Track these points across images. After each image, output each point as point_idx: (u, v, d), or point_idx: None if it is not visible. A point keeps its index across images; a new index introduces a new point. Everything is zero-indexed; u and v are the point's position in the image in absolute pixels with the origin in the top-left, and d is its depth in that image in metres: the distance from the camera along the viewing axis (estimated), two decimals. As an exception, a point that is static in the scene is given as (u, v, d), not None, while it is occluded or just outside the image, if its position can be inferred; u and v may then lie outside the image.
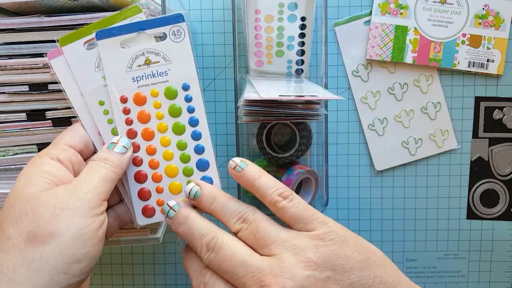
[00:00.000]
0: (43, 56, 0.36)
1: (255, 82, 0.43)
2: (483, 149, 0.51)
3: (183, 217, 0.32)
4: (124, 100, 0.35)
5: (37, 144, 0.38)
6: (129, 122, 0.35)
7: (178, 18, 0.35)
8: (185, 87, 0.36)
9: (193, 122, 0.36)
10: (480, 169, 0.51)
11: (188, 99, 0.36)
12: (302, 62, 0.48)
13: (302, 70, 0.48)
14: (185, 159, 0.36)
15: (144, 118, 0.35)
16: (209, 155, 0.36)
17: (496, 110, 0.50)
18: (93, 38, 0.35)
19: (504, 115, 0.50)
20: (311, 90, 0.41)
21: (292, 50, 0.47)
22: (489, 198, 0.51)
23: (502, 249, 0.52)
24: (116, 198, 0.37)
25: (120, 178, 0.34)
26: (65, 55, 0.35)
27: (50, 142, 0.39)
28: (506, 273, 0.52)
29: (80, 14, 0.36)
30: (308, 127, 0.46)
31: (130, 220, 0.37)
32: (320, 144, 0.47)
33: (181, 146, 0.36)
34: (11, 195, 0.31)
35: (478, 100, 0.50)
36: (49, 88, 0.37)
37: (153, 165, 0.36)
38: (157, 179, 0.36)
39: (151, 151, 0.36)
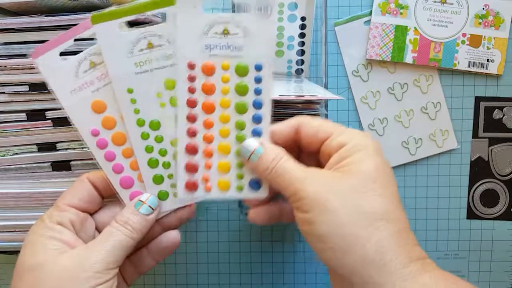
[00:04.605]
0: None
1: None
2: (483, 149, 0.51)
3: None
4: (191, 66, 0.33)
5: (37, 144, 0.39)
6: (192, 90, 0.33)
7: None
8: (258, 67, 0.34)
9: (257, 105, 0.34)
10: (480, 169, 0.51)
11: (258, 80, 0.34)
12: (302, 62, 0.48)
13: (302, 70, 0.48)
14: (240, 139, 0.34)
15: (208, 90, 0.34)
16: (264, 140, 0.35)
17: (496, 110, 0.50)
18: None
19: (504, 115, 0.50)
20: (311, 90, 0.41)
21: (292, 50, 0.47)
22: (489, 198, 0.51)
23: (502, 249, 0.52)
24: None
25: (138, 241, 0.33)
26: (96, 34, 0.33)
27: (50, 142, 0.39)
28: (506, 273, 0.52)
29: (80, 14, 0.36)
30: (308, 127, 0.46)
31: (149, 265, 0.36)
32: (320, 144, 0.47)
33: (240, 126, 0.34)
34: (18, 266, 0.30)
35: (478, 100, 0.50)
36: (49, 88, 0.37)
37: (207, 139, 0.34)
38: (208, 154, 0.34)
39: (207, 125, 0.34)
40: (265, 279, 0.52)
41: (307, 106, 0.41)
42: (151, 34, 0.33)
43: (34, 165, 0.39)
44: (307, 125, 0.33)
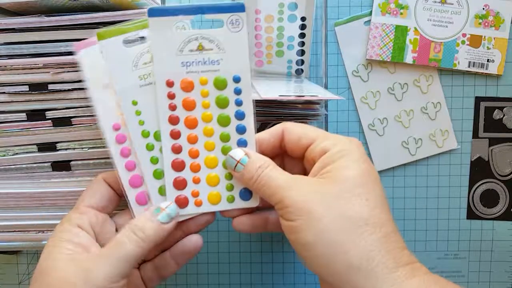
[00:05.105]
0: (43, 56, 0.36)
1: (255, 82, 0.43)
2: (483, 149, 0.51)
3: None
4: (170, 84, 0.34)
5: (37, 144, 0.39)
6: (172, 107, 0.34)
7: (239, 8, 0.34)
8: (236, 79, 0.34)
9: (239, 116, 0.35)
10: (480, 169, 0.51)
11: (237, 92, 0.34)
12: (302, 62, 0.48)
13: (302, 70, 0.48)
14: (226, 151, 0.35)
15: (189, 106, 0.34)
16: (249, 149, 0.35)
17: (496, 110, 0.50)
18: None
19: (504, 115, 0.50)
20: (311, 90, 0.41)
21: (292, 50, 0.47)
22: (489, 198, 0.51)
23: (502, 249, 0.52)
24: (154, 252, 0.36)
25: (148, 251, 0.31)
26: (102, 50, 0.33)
27: (50, 142, 0.39)
28: (506, 273, 0.52)
29: (80, 14, 0.36)
30: (308, 127, 0.46)
31: (172, 269, 0.36)
32: (320, 144, 0.47)
33: (224, 138, 0.35)
34: (36, 267, 0.30)
35: (478, 100, 0.50)
36: (49, 88, 0.37)
37: (193, 154, 0.35)
38: (195, 169, 0.35)
39: (192, 140, 0.35)
40: (265, 279, 0.52)
41: (307, 106, 0.41)
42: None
43: (34, 165, 0.39)
44: (290, 131, 0.33)
